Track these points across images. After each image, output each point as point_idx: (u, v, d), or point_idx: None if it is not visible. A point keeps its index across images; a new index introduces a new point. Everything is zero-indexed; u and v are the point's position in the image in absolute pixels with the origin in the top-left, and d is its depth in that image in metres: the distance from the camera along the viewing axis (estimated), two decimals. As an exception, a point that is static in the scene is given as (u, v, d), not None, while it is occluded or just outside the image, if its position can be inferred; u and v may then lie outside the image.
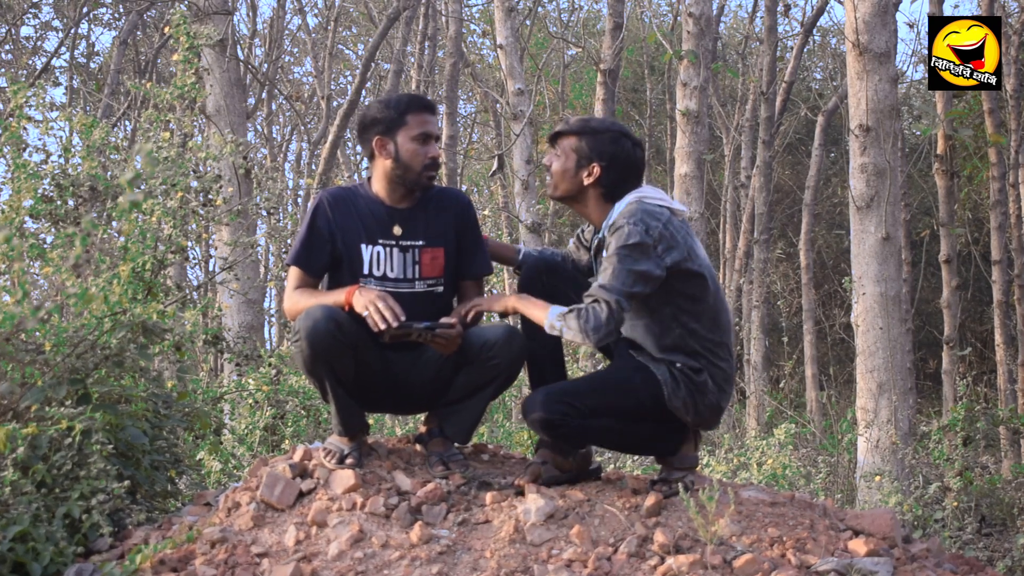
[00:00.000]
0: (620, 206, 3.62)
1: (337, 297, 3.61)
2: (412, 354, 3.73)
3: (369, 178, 3.85)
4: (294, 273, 3.76)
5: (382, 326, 3.47)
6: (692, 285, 3.57)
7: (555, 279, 3.78)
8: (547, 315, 3.52)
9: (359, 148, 23.57)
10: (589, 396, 3.51)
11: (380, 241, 3.73)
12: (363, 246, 3.72)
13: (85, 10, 14.43)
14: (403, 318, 3.51)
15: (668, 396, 3.54)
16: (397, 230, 3.75)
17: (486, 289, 4.08)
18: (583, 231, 3.95)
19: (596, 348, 3.80)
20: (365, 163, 21.53)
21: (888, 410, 6.67)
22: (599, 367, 6.41)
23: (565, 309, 3.50)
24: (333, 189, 3.85)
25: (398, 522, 3.38)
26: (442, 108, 13.82)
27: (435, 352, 3.69)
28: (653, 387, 3.55)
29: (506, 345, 3.59)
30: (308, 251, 3.75)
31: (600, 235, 3.68)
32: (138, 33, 15.62)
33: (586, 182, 3.64)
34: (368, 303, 3.51)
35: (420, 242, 3.75)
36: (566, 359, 3.97)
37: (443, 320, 3.60)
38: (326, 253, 3.75)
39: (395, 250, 3.73)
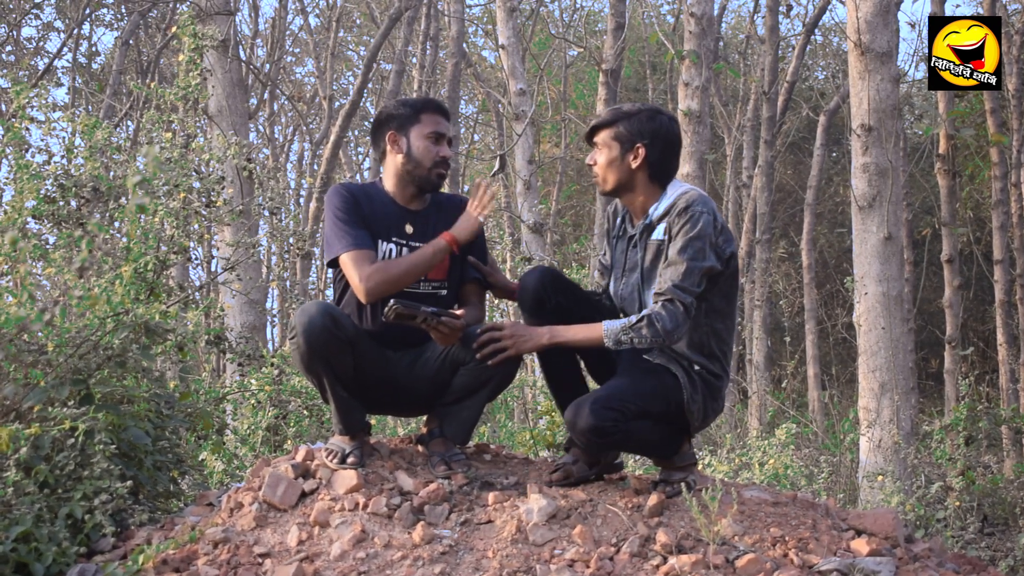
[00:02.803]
0: (673, 192, 3.59)
1: (437, 243, 3.64)
2: (411, 354, 3.73)
3: (381, 178, 3.86)
4: (355, 257, 3.60)
5: (402, 312, 3.44)
6: (729, 284, 3.58)
7: (565, 298, 3.63)
8: (603, 333, 3.44)
9: (360, 149, 23.46)
10: (632, 400, 3.45)
11: (394, 239, 3.73)
12: (379, 241, 3.73)
13: (87, 11, 14.44)
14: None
15: (687, 399, 3.53)
16: (409, 229, 3.76)
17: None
18: (604, 254, 3.88)
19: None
20: (367, 164, 21.52)
21: (890, 410, 6.67)
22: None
23: (627, 321, 3.42)
24: (347, 183, 3.84)
25: (400, 522, 3.39)
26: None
27: (434, 351, 3.69)
28: (676, 391, 3.53)
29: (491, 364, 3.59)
30: (356, 230, 3.65)
31: (648, 220, 3.61)
32: (140, 33, 15.63)
33: (634, 165, 3.59)
34: (476, 216, 3.64)
35: None
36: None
37: (450, 310, 3.59)
38: (368, 230, 3.70)
39: (405, 250, 3.74)
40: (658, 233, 3.57)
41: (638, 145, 3.58)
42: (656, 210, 3.59)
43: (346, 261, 3.62)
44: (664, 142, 3.60)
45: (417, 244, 3.74)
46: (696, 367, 3.56)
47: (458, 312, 3.58)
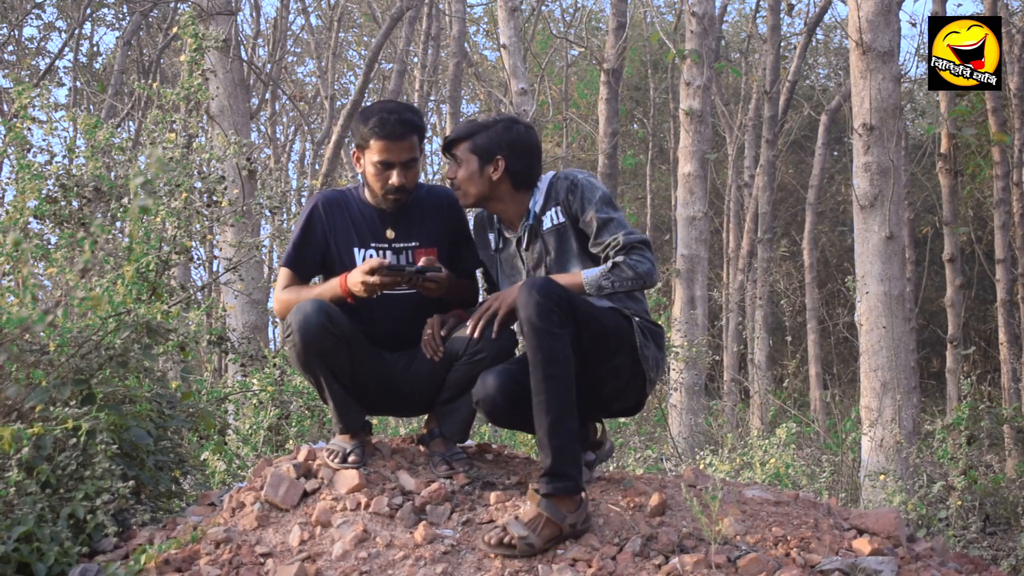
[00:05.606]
0: (543, 185, 3.65)
1: (333, 287, 3.62)
2: (408, 354, 3.73)
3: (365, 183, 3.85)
4: (283, 274, 3.77)
5: (386, 279, 3.49)
6: None
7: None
8: (583, 280, 3.45)
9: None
10: (583, 302, 3.39)
11: (373, 244, 3.73)
12: (356, 250, 3.73)
13: (88, 11, 14.45)
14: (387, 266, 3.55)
15: (640, 344, 3.50)
16: (390, 233, 3.76)
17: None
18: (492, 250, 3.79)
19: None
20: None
21: (892, 409, 6.67)
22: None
23: (604, 267, 3.43)
24: (328, 192, 3.86)
25: (402, 522, 3.39)
26: (445, 108, 13.82)
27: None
28: (628, 331, 3.50)
29: (493, 338, 3.59)
30: (300, 254, 3.76)
31: (529, 219, 3.64)
32: (141, 33, 15.64)
33: (495, 177, 3.62)
34: (361, 276, 3.53)
35: (414, 243, 3.76)
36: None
37: (430, 266, 3.60)
38: (317, 257, 3.76)
39: (388, 252, 3.73)
40: (551, 221, 3.60)
41: (498, 157, 3.61)
42: (535, 205, 3.64)
43: (280, 274, 3.79)
44: (524, 151, 3.64)
45: (400, 246, 3.75)
46: (636, 319, 3.55)
47: (439, 265, 3.61)
